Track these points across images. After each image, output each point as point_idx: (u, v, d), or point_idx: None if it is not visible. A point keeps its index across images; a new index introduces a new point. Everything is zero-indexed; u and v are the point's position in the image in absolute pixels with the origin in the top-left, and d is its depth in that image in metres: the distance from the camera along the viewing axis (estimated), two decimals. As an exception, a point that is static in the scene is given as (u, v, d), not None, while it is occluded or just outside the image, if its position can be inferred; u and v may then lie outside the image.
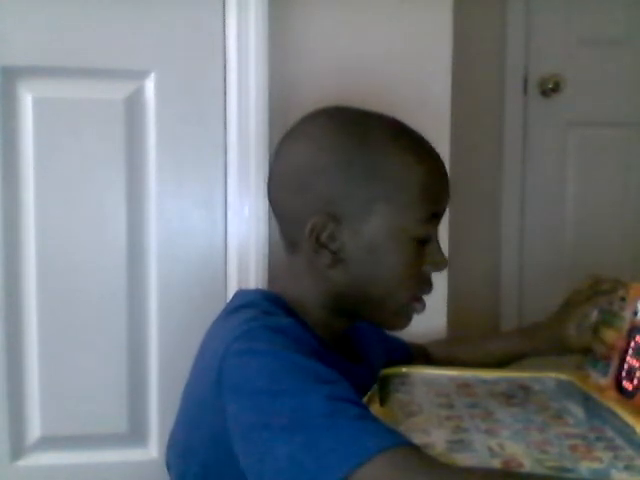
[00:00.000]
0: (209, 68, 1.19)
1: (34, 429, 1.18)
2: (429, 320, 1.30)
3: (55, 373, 1.18)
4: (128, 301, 1.19)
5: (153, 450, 1.22)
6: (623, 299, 1.02)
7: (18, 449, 1.18)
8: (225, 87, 1.19)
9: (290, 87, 1.22)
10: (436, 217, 0.86)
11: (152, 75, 1.18)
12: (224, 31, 1.18)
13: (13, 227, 1.15)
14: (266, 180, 0.92)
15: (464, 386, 1.02)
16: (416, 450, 0.65)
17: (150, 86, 1.18)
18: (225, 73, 1.19)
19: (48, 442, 1.19)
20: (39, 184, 1.15)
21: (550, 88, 2.11)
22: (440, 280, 1.33)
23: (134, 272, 1.19)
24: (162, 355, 1.21)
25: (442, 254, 0.88)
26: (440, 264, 0.88)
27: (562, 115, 2.14)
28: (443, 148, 1.31)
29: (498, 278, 2.15)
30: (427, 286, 0.88)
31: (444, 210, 0.88)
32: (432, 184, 0.84)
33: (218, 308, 0.89)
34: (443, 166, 0.88)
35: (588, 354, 1.06)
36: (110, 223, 1.18)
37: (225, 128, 1.19)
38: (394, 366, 1.07)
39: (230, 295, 0.99)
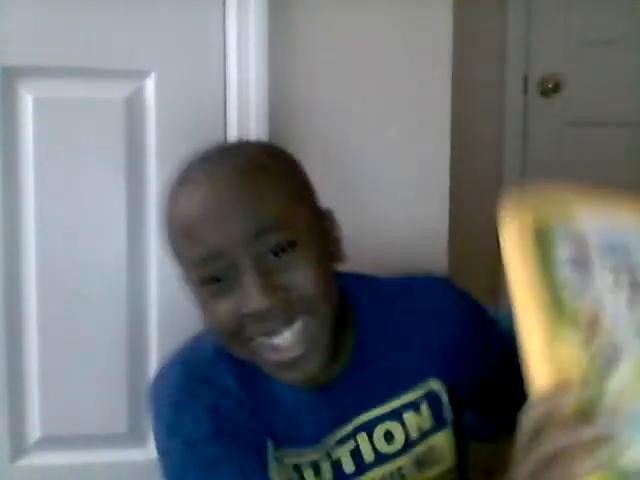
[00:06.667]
0: (209, 68, 1.19)
1: (34, 429, 1.18)
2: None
3: (55, 373, 1.17)
4: (128, 301, 1.19)
5: (153, 450, 1.21)
6: None
7: (18, 449, 1.18)
8: (225, 87, 1.19)
9: (290, 87, 1.22)
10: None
11: (152, 75, 1.18)
12: (224, 31, 1.18)
13: (13, 227, 1.15)
14: None
15: None
16: None
17: (150, 86, 1.18)
18: (225, 73, 1.19)
19: (48, 442, 1.19)
20: (39, 184, 1.15)
21: (550, 88, 2.11)
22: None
23: (134, 272, 1.19)
24: (162, 355, 1.20)
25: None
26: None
27: (562, 115, 2.14)
28: (443, 148, 1.32)
29: (498, 278, 2.15)
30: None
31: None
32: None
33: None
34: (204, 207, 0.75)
35: None
36: (110, 223, 1.18)
37: (225, 128, 1.19)
38: None
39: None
